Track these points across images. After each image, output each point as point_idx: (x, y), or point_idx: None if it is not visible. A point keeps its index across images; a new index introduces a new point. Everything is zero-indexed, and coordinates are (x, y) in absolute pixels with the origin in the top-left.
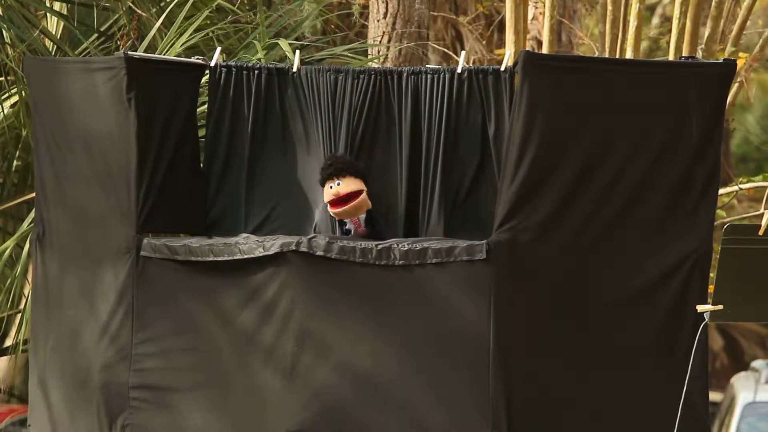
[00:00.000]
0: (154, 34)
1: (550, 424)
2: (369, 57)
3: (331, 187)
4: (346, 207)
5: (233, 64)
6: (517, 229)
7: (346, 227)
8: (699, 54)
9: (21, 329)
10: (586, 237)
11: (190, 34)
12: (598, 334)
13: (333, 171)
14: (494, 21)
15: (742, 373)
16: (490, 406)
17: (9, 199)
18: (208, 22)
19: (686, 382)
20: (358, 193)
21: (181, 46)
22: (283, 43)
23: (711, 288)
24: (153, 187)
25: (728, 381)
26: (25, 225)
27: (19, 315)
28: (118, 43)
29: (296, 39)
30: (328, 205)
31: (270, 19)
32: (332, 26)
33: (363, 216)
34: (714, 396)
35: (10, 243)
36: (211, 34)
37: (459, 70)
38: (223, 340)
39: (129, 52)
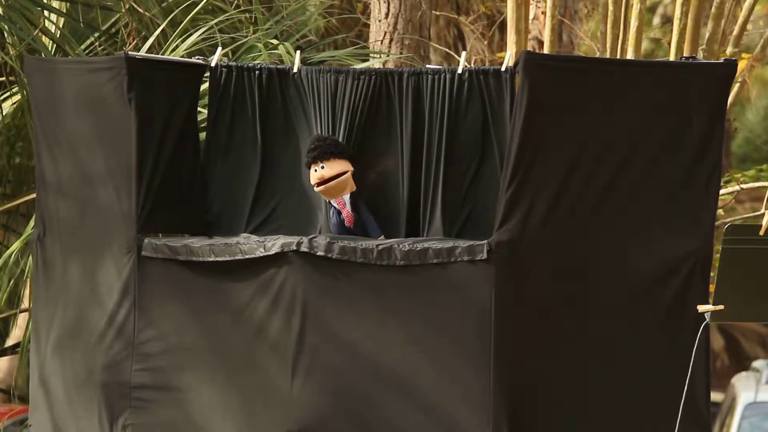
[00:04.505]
0: (158, 35)
1: (550, 424)
2: (370, 59)
3: (315, 170)
4: (327, 185)
5: (234, 64)
6: (517, 229)
7: (334, 208)
8: (700, 54)
9: (27, 329)
10: (587, 237)
11: (192, 37)
12: (599, 334)
13: (318, 154)
14: (496, 21)
15: (743, 373)
16: (491, 406)
17: (11, 199)
18: (211, 18)
19: (687, 382)
20: (342, 174)
21: (186, 50)
22: (283, 49)
23: (712, 288)
24: (153, 187)
25: (729, 381)
26: (29, 226)
27: (21, 315)
28: (126, 41)
29: (298, 40)
30: (314, 187)
31: (271, 20)
32: (334, 27)
33: (347, 197)
34: (715, 396)
35: (17, 245)
36: (214, 36)
37: (460, 71)
38: (226, 339)
39: (130, 52)
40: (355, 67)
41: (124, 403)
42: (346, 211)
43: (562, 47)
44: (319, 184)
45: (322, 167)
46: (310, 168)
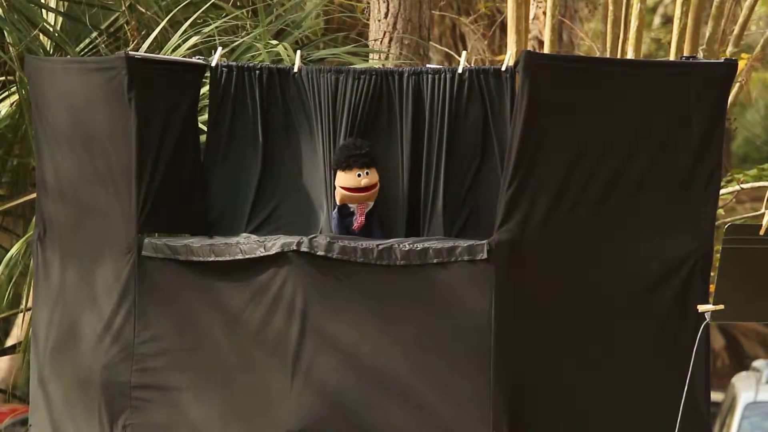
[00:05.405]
0: (158, 33)
1: (550, 424)
2: (369, 59)
3: (359, 176)
4: (368, 192)
5: (234, 64)
6: (518, 228)
7: (350, 210)
8: (700, 54)
9: (27, 329)
10: (587, 237)
11: (190, 35)
12: (598, 335)
13: (368, 161)
14: (496, 21)
15: (743, 373)
16: (491, 406)
17: (11, 199)
18: (211, 17)
19: (687, 382)
20: (377, 182)
21: (187, 50)
22: (282, 50)
23: (712, 288)
24: (153, 186)
25: (729, 381)
26: (30, 226)
27: (22, 315)
28: (127, 40)
29: (297, 39)
30: (345, 190)
31: (270, 17)
32: (334, 26)
33: (372, 203)
34: (715, 396)
35: (17, 246)
36: (214, 36)
37: (460, 71)
38: (226, 339)
39: (130, 52)
40: (355, 67)
41: (124, 403)
42: (362, 218)
43: (562, 47)
44: (360, 190)
45: (367, 173)
46: (350, 170)
